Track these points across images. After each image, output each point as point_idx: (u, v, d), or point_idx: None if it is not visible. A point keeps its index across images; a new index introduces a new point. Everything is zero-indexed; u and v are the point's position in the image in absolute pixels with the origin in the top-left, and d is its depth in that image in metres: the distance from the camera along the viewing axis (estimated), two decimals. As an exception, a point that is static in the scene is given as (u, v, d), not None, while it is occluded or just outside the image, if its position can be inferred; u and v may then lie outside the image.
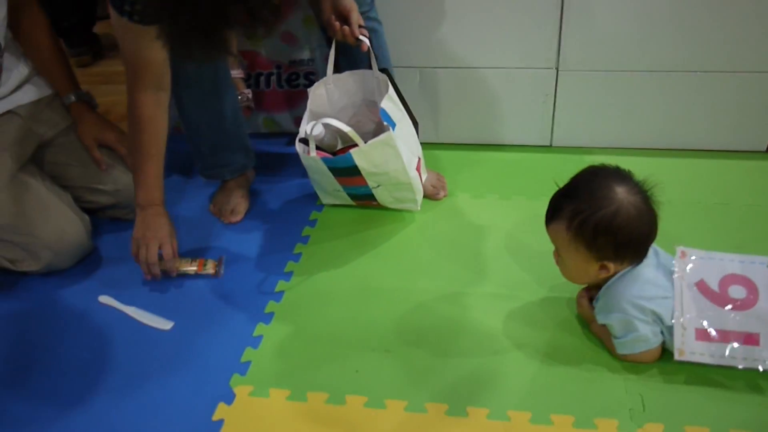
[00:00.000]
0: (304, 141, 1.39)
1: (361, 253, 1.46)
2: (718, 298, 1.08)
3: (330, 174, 1.42)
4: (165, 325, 1.30)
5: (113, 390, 1.17)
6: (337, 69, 1.52)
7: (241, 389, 1.15)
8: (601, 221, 1.05)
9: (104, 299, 1.38)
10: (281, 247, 1.49)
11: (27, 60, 1.51)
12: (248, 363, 1.20)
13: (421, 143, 1.82)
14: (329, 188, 1.51)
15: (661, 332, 1.10)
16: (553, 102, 1.72)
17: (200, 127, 1.54)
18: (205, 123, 1.53)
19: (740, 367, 1.05)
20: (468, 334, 1.22)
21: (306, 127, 1.37)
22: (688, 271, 1.11)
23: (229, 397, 1.13)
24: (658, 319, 1.09)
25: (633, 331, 1.09)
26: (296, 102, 1.87)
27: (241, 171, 1.63)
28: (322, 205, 1.62)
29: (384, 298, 1.32)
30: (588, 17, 1.59)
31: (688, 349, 1.07)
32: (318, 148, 1.43)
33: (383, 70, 1.49)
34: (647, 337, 1.09)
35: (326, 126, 1.38)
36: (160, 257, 1.38)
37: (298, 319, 1.29)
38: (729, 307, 1.07)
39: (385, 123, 1.37)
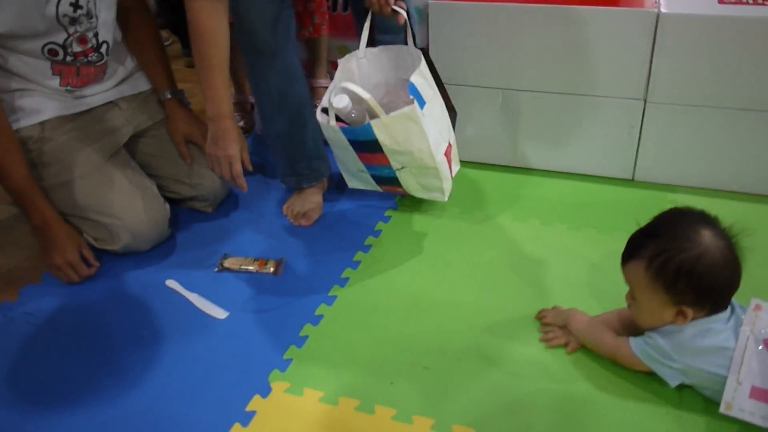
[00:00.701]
0: (327, 111, 1.34)
1: (420, 267, 1.46)
2: None
3: (352, 149, 1.36)
4: (220, 314, 1.36)
5: (162, 367, 1.24)
6: (372, 44, 1.48)
7: (278, 385, 1.18)
8: (684, 263, 1.01)
9: (171, 283, 1.46)
10: (343, 253, 1.52)
11: (132, 57, 1.63)
12: (290, 361, 1.23)
13: (496, 165, 1.82)
14: (353, 168, 1.45)
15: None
16: (638, 134, 1.66)
17: (280, 138, 1.59)
18: (285, 134, 1.58)
19: None
20: (511, 362, 1.19)
21: (331, 96, 1.33)
22: (758, 325, 1.04)
23: (265, 391, 1.17)
24: (703, 371, 1.04)
25: (665, 357, 1.06)
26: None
27: (317, 180, 1.67)
28: (389, 217, 1.63)
29: (433, 315, 1.32)
30: (681, 49, 1.53)
31: (737, 404, 1.00)
32: (343, 122, 1.36)
33: (421, 49, 1.44)
34: (668, 367, 1.06)
35: (355, 100, 1.31)
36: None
37: (345, 324, 1.31)
38: None
39: (411, 96, 1.29)
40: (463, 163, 1.83)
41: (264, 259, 1.49)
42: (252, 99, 1.89)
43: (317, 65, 1.93)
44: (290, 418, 1.12)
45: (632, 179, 1.72)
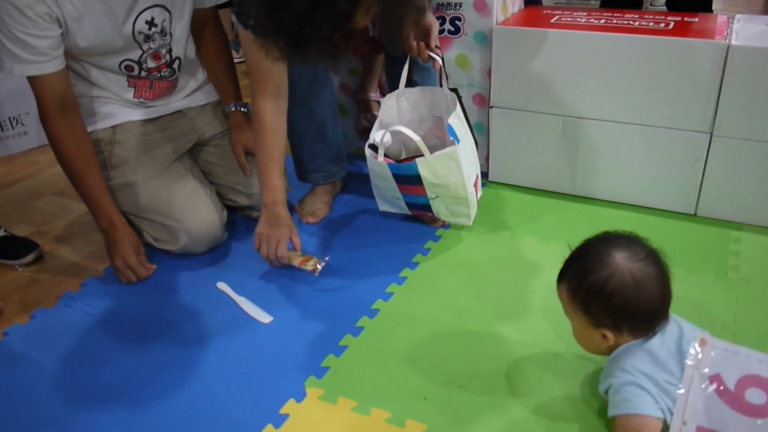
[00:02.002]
0: (373, 147, 1.47)
1: (466, 287, 1.45)
2: (732, 399, 0.95)
3: (393, 180, 1.48)
4: (265, 318, 1.39)
5: (205, 365, 1.28)
6: (409, 84, 1.61)
7: (313, 391, 1.19)
8: (593, 285, 1.02)
9: (221, 285, 1.50)
10: (390, 267, 1.53)
11: (203, 70, 1.71)
12: (327, 368, 1.24)
13: (553, 192, 1.80)
14: (389, 195, 1.56)
15: (662, 410, 0.98)
16: (702, 168, 1.61)
17: (300, 136, 1.68)
18: (304, 133, 1.67)
19: None
20: (548, 392, 1.17)
21: (376, 135, 1.45)
22: (703, 361, 0.99)
23: (300, 396, 1.18)
24: (666, 394, 0.98)
25: (625, 391, 1.00)
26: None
27: (331, 179, 1.75)
28: (440, 236, 1.64)
29: (474, 336, 1.31)
30: (751, 82, 1.48)
31: None
32: (388, 157, 1.49)
33: (453, 90, 1.55)
34: (639, 399, 0.98)
35: (394, 135, 1.45)
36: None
37: (386, 338, 1.32)
38: (741, 411, 0.94)
39: (450, 138, 1.43)
40: (520, 188, 1.84)
41: (308, 256, 1.53)
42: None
43: (369, 79, 1.99)
44: (322, 424, 1.13)
45: (694, 214, 1.66)
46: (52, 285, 1.57)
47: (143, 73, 1.56)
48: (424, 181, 1.44)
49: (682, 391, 0.97)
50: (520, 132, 1.78)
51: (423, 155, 1.42)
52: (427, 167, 1.42)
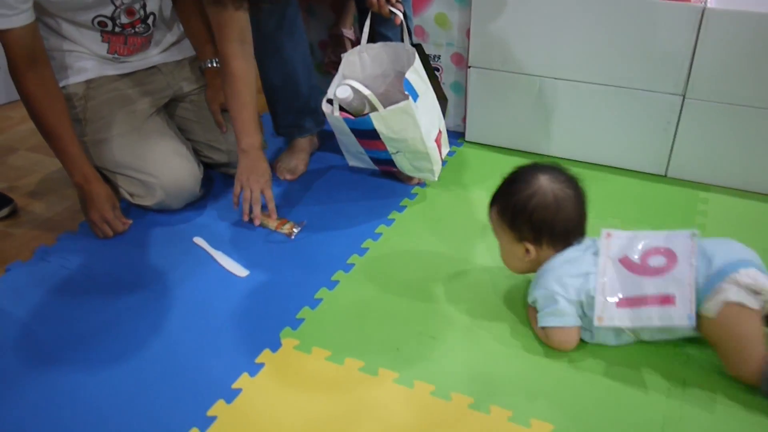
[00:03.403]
0: (332, 102, 1.48)
1: (441, 243, 1.48)
2: (639, 268, 1.13)
3: (353, 135, 1.50)
4: (241, 272, 1.41)
5: (182, 317, 1.30)
6: (375, 38, 1.62)
7: (288, 341, 1.22)
8: (518, 202, 1.16)
9: (198, 240, 1.51)
10: (366, 223, 1.55)
11: (179, 25, 1.69)
12: (302, 320, 1.27)
13: (530, 153, 1.82)
14: (353, 150, 1.59)
15: (581, 317, 1.15)
16: (674, 130, 1.63)
17: (274, 90, 1.69)
18: (278, 87, 1.68)
19: (657, 324, 1.10)
20: (520, 337, 1.21)
21: (336, 89, 1.46)
22: (612, 249, 1.16)
23: (275, 346, 1.21)
24: (581, 296, 1.13)
25: (552, 304, 1.14)
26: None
27: (306, 133, 1.78)
28: (416, 194, 1.66)
29: (447, 290, 1.33)
30: (725, 46, 1.50)
31: (607, 315, 1.12)
32: (346, 111, 1.50)
33: (417, 45, 1.56)
34: (564, 312, 1.13)
35: (356, 90, 1.45)
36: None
37: (360, 291, 1.34)
38: (647, 275, 1.12)
39: (406, 92, 1.43)
40: (496, 148, 1.85)
41: (285, 219, 1.54)
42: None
43: (344, 15, 1.98)
44: (296, 372, 1.16)
45: (665, 175, 1.70)
46: (27, 239, 1.56)
47: (117, 29, 1.53)
48: (381, 136, 1.45)
49: (601, 278, 1.13)
50: (498, 92, 1.79)
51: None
52: (381, 122, 1.43)
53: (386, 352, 1.19)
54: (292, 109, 1.73)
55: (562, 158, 1.79)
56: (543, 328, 1.17)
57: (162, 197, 1.57)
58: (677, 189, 1.65)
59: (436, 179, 1.59)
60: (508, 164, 1.74)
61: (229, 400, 1.10)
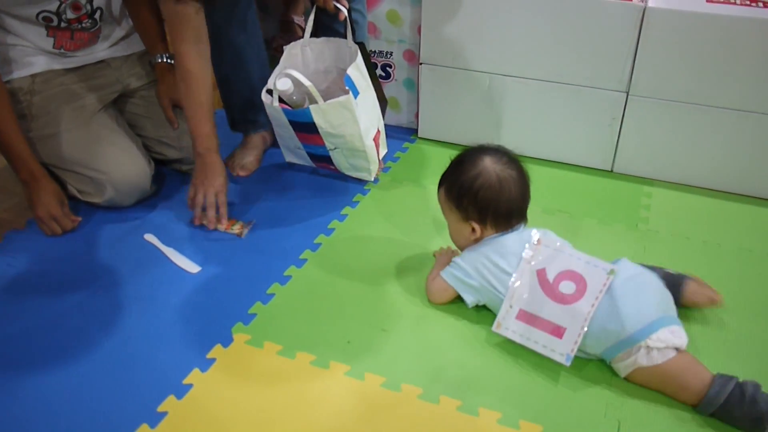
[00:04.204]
0: (271, 93, 1.47)
1: (392, 238, 1.50)
2: (549, 288, 1.15)
3: (291, 128, 1.49)
4: (193, 268, 1.40)
5: (132, 313, 1.29)
6: (316, 35, 1.62)
7: (239, 336, 1.22)
8: (464, 182, 1.21)
9: (149, 237, 1.50)
10: (318, 218, 1.56)
11: (128, 19, 1.67)
12: (254, 315, 1.27)
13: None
14: (291, 144, 1.58)
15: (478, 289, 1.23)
16: (619, 126, 1.68)
17: (223, 84, 1.70)
18: (227, 81, 1.68)
19: (540, 351, 1.13)
20: (468, 328, 1.23)
21: (276, 81, 1.45)
22: (536, 258, 1.19)
23: (227, 341, 1.21)
24: (491, 287, 1.19)
25: (465, 276, 1.22)
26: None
27: (261, 129, 1.78)
28: (368, 190, 1.67)
29: (397, 284, 1.35)
30: (666, 44, 1.55)
31: (504, 324, 1.17)
32: (285, 103, 1.51)
33: (359, 44, 1.57)
34: (467, 287, 1.23)
35: (297, 84, 1.45)
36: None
37: (312, 286, 1.35)
38: (552, 299, 1.14)
39: (346, 87, 1.43)
40: (448, 144, 1.88)
41: (234, 219, 1.53)
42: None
43: (295, 3, 1.99)
44: (248, 367, 1.16)
45: (611, 170, 1.75)
46: (-28, 237, 1.53)
47: (63, 24, 1.51)
48: (320, 130, 1.45)
49: (515, 282, 1.17)
50: (449, 89, 1.81)
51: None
52: (321, 115, 1.42)
53: (337, 345, 1.20)
54: (247, 104, 1.72)
55: (512, 154, 1.82)
56: (439, 277, 1.26)
57: (112, 194, 1.55)
58: (622, 183, 1.70)
59: (372, 179, 1.60)
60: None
61: (179, 396, 1.10)
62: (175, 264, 1.42)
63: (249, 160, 1.76)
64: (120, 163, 1.55)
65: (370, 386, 1.12)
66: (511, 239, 1.21)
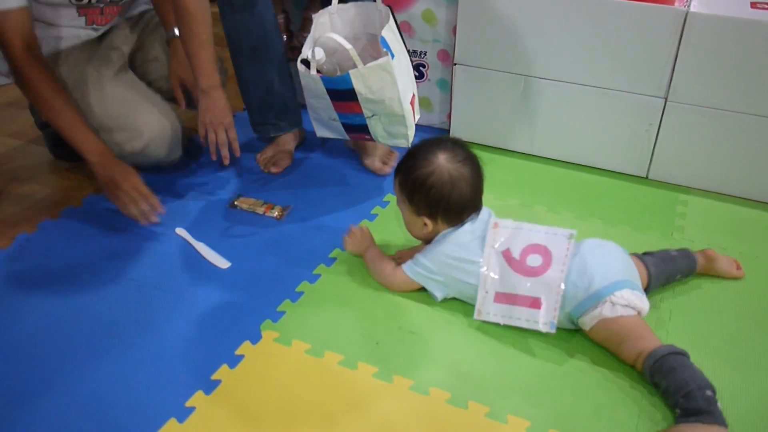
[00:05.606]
0: (306, 63, 1.43)
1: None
2: (517, 265, 1.19)
3: (327, 98, 1.45)
4: (223, 263, 1.41)
5: (162, 309, 1.30)
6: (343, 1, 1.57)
7: (268, 333, 1.22)
8: (417, 179, 1.22)
9: (180, 231, 1.51)
10: (349, 217, 1.56)
11: None
12: (283, 313, 1.27)
13: (510, 151, 1.83)
14: (325, 116, 1.54)
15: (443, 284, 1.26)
16: (656, 133, 1.65)
17: (250, 86, 1.69)
18: (254, 83, 1.67)
19: (524, 326, 1.18)
20: (497, 333, 1.22)
21: (308, 50, 1.43)
22: (497, 241, 1.22)
23: (255, 338, 1.21)
24: (459, 281, 1.23)
25: (428, 272, 1.25)
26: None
27: (279, 132, 1.76)
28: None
29: (427, 285, 1.34)
30: (707, 50, 1.52)
31: (485, 309, 1.20)
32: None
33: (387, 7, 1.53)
34: (432, 282, 1.26)
35: (328, 54, 1.45)
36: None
37: (341, 286, 1.34)
38: (523, 274, 1.18)
39: (384, 50, 1.40)
40: (480, 146, 1.86)
41: (272, 204, 1.56)
42: None
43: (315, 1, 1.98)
44: (276, 365, 1.16)
45: (646, 177, 1.72)
46: (7, 227, 1.55)
47: (93, 1, 1.54)
48: (358, 96, 1.41)
49: (484, 268, 1.20)
50: (483, 90, 1.80)
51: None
52: (360, 80, 1.38)
53: (366, 346, 1.20)
54: (267, 107, 1.72)
55: (545, 157, 1.80)
56: (400, 270, 1.29)
57: (149, 137, 1.57)
58: (658, 191, 1.67)
59: (410, 145, 1.51)
60: (491, 162, 1.78)
61: (208, 391, 1.10)
62: (206, 259, 1.42)
63: (281, 157, 1.76)
64: (151, 108, 1.59)
65: (398, 389, 1.11)
66: (465, 231, 1.24)
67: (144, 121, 1.57)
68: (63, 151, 1.64)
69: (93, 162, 1.47)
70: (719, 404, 1.01)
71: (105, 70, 1.60)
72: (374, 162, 1.73)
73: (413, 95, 1.53)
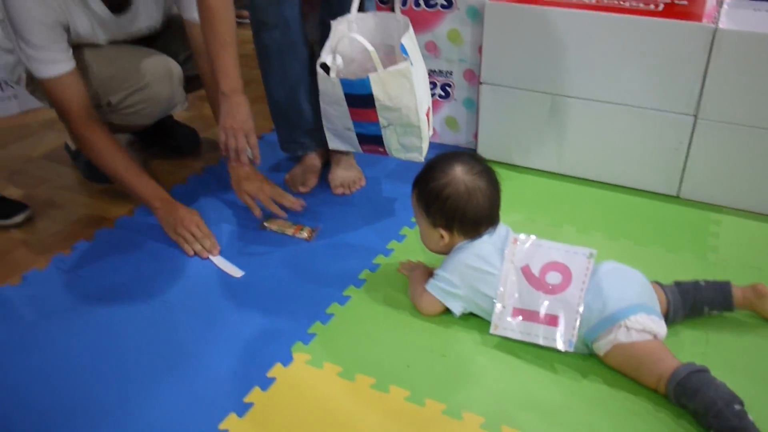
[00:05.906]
0: (325, 68, 1.42)
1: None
2: (536, 282, 1.20)
3: (344, 104, 1.44)
4: (236, 273, 1.43)
5: (193, 329, 1.31)
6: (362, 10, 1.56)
7: (299, 356, 1.22)
8: (432, 190, 1.24)
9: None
10: (377, 238, 1.56)
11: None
12: (314, 335, 1.27)
13: (538, 170, 1.83)
14: (340, 125, 1.52)
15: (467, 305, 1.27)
16: (686, 151, 1.64)
17: (279, 106, 1.71)
18: (283, 103, 1.69)
19: (541, 343, 1.18)
20: (531, 354, 1.21)
21: (327, 56, 1.42)
22: (517, 256, 1.23)
23: (286, 360, 1.22)
24: (478, 292, 1.23)
25: (450, 287, 1.25)
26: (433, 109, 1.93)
27: (303, 150, 1.79)
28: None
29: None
30: (737, 67, 1.51)
31: (501, 324, 1.21)
32: None
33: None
34: (454, 296, 1.25)
35: (347, 63, 1.45)
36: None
37: (371, 307, 1.35)
38: (543, 291, 1.19)
39: (404, 55, 1.39)
40: (507, 165, 1.86)
41: (301, 225, 1.58)
42: None
43: None
44: (308, 387, 1.16)
45: (677, 196, 1.70)
46: (43, 247, 1.58)
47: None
48: (376, 103, 1.40)
49: (504, 282, 1.21)
50: (510, 109, 1.80)
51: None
52: (380, 84, 1.38)
53: (397, 368, 1.19)
54: (293, 127, 1.74)
55: (573, 177, 1.79)
56: (426, 292, 1.28)
57: (150, 79, 1.61)
58: (690, 210, 1.65)
59: (423, 159, 1.50)
60: (518, 182, 1.79)
61: (241, 414, 1.11)
62: (217, 267, 1.46)
63: (308, 176, 1.78)
64: (148, 54, 1.64)
65: (431, 413, 1.10)
66: (484, 244, 1.25)
67: (145, 64, 1.60)
68: (95, 172, 1.67)
69: (156, 207, 1.54)
70: (750, 417, 0.99)
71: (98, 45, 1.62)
72: (336, 181, 1.75)
73: (428, 108, 1.54)
